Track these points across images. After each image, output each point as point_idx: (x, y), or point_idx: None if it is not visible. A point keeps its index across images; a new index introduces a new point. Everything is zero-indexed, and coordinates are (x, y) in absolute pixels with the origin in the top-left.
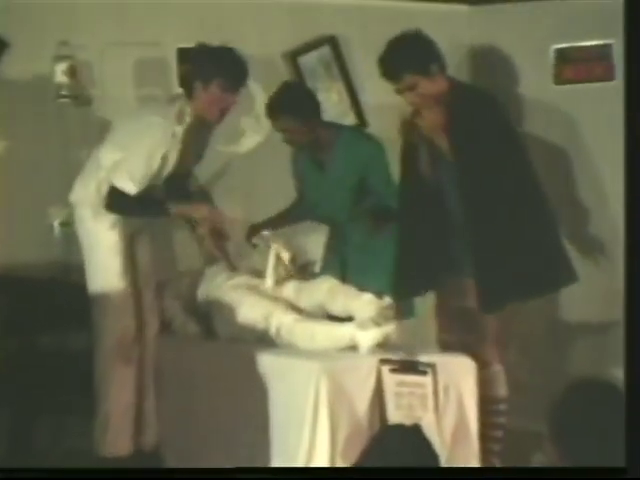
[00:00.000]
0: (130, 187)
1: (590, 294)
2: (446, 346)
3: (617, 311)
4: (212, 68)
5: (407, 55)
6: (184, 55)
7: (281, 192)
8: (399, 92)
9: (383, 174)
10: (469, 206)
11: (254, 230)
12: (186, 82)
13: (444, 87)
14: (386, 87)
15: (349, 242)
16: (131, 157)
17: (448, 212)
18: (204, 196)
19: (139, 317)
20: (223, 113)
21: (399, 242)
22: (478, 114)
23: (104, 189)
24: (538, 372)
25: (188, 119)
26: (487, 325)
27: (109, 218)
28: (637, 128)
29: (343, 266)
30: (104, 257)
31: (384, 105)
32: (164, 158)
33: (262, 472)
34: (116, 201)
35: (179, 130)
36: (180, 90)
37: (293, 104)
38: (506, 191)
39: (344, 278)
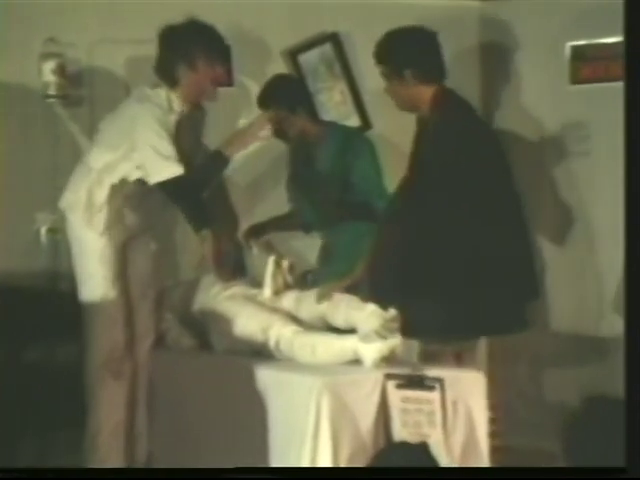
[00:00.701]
0: (175, 170)
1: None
2: (427, 358)
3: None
4: (192, 45)
5: (397, 46)
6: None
7: (282, 195)
8: (383, 76)
9: (370, 173)
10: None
11: (252, 231)
12: (167, 69)
13: (419, 95)
14: None
15: (338, 247)
16: (147, 150)
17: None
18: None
19: (131, 329)
20: (214, 89)
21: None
22: (452, 138)
23: (97, 193)
24: (550, 389)
25: (177, 108)
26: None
27: (100, 224)
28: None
29: (333, 273)
30: (94, 265)
31: (389, 105)
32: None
33: (262, 472)
34: (176, 191)
35: (172, 120)
36: (158, 80)
37: (281, 92)
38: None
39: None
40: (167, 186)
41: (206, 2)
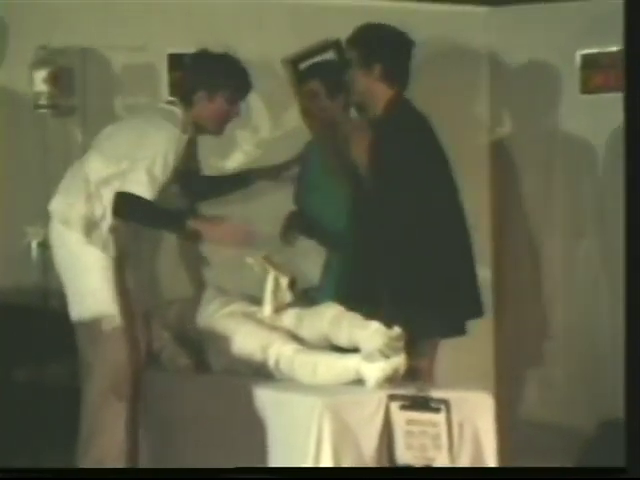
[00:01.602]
0: (144, 190)
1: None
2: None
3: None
4: (219, 78)
5: (376, 38)
6: (177, 61)
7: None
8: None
9: None
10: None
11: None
12: (186, 90)
13: (377, 93)
14: None
15: (344, 261)
16: (143, 161)
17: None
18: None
19: (134, 347)
20: (224, 124)
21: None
22: (407, 140)
23: (96, 206)
24: (563, 409)
25: (190, 130)
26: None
27: (100, 239)
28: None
29: (337, 288)
30: (94, 281)
31: None
32: (176, 162)
33: (262, 472)
34: (129, 207)
35: (184, 139)
36: (172, 97)
37: (328, 68)
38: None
39: (338, 301)
40: (127, 198)
41: (206, 10)
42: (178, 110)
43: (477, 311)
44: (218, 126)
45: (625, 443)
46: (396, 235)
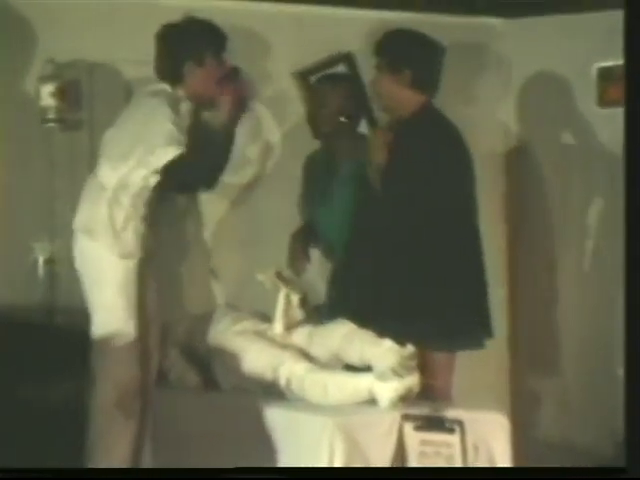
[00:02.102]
0: (172, 150)
1: None
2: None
3: None
4: (200, 41)
5: (406, 42)
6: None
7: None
8: (377, 67)
9: None
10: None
11: None
12: (172, 66)
13: (407, 99)
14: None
15: (355, 274)
16: (155, 135)
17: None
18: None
19: (145, 365)
20: (220, 87)
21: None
22: (428, 150)
23: (116, 212)
24: (580, 430)
25: (185, 106)
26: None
27: (124, 246)
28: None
29: (345, 303)
30: (112, 295)
31: None
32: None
33: (262, 472)
34: (180, 175)
35: (185, 112)
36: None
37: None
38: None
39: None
40: (170, 170)
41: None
42: (167, 88)
43: (487, 332)
44: (214, 90)
45: (625, 443)
46: (408, 247)
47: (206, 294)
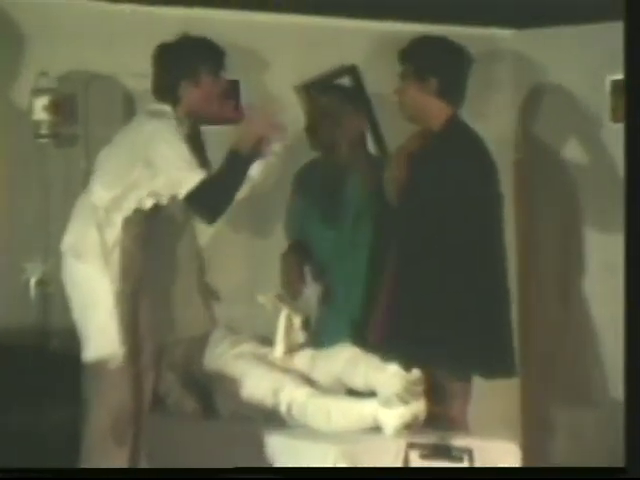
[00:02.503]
0: (195, 176)
1: None
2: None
3: None
4: (193, 58)
5: (433, 50)
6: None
7: None
8: (402, 76)
9: None
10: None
11: None
12: (169, 87)
13: (432, 109)
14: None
15: (345, 295)
16: (167, 161)
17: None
18: None
19: (137, 390)
20: (217, 103)
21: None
22: (455, 168)
23: (108, 233)
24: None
25: (184, 126)
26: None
27: (115, 268)
28: None
29: (347, 326)
30: (104, 319)
31: None
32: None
33: (262, 472)
34: (205, 202)
35: (183, 134)
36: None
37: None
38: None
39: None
40: (196, 197)
41: (211, 32)
42: (167, 108)
43: (508, 370)
44: (211, 106)
45: (625, 443)
46: (426, 270)
47: (201, 315)
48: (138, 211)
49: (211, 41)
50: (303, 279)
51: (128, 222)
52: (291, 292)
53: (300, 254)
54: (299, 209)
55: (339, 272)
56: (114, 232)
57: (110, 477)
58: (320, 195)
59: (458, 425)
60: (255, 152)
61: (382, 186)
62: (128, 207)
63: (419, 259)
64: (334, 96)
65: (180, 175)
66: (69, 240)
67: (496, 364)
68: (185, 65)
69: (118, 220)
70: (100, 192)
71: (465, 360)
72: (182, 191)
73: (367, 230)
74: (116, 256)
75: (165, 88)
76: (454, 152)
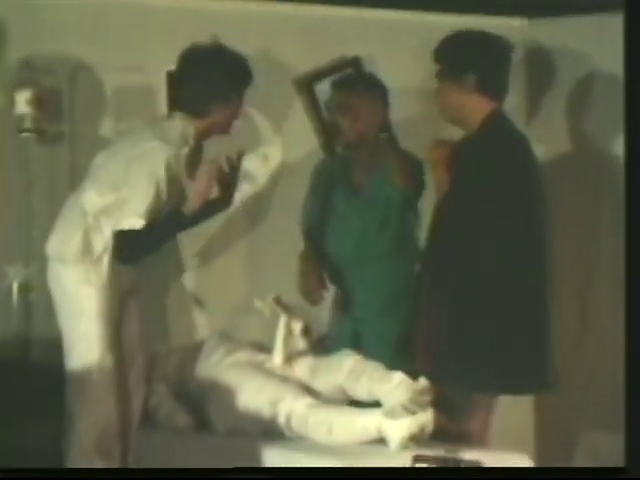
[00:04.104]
0: (135, 222)
1: None
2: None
3: None
4: (229, 78)
5: (466, 46)
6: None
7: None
8: (438, 77)
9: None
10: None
11: None
12: (200, 102)
13: (473, 107)
14: (421, 118)
15: (363, 302)
16: (133, 190)
17: None
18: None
19: (124, 403)
20: (231, 124)
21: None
22: (497, 168)
23: (95, 240)
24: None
25: (191, 141)
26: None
27: (100, 277)
28: None
29: (355, 335)
30: (88, 325)
31: (418, 142)
32: (171, 184)
33: (262, 472)
34: (127, 245)
35: (183, 153)
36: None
37: (357, 76)
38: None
39: (357, 351)
40: (124, 236)
41: (209, 26)
42: (179, 123)
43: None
44: (229, 126)
45: (625, 443)
46: (471, 286)
47: (192, 324)
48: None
49: (246, 61)
50: (324, 283)
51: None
52: (311, 298)
53: (317, 257)
54: (316, 209)
55: (357, 278)
56: (102, 239)
57: (110, 477)
58: (340, 195)
59: (477, 440)
60: (204, 211)
61: (415, 186)
62: (116, 219)
63: (462, 274)
64: (352, 89)
65: (130, 208)
66: (54, 243)
67: (540, 379)
68: (222, 83)
69: (107, 228)
70: (92, 198)
71: (514, 377)
72: (122, 223)
73: (395, 236)
74: (104, 263)
75: (192, 99)
76: (496, 156)
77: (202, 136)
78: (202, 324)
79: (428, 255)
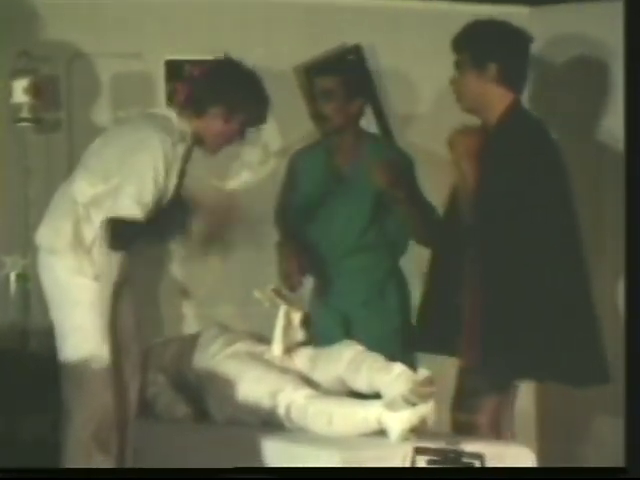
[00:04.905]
0: (135, 211)
1: None
2: (458, 428)
3: None
4: (246, 99)
5: (489, 34)
6: (176, 69)
7: None
8: (458, 65)
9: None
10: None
11: None
12: (202, 100)
13: (493, 97)
14: (423, 108)
15: (351, 291)
16: (130, 178)
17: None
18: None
19: (121, 394)
20: (225, 145)
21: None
22: (523, 160)
23: (85, 230)
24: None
25: (187, 139)
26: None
27: (91, 267)
28: None
29: (345, 324)
30: (83, 315)
31: (419, 131)
32: (167, 177)
33: (262, 472)
34: (121, 233)
35: (181, 149)
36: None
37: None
38: (537, 253)
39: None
40: (119, 224)
41: (208, 12)
42: (175, 116)
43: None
44: (218, 146)
45: (625, 443)
46: (510, 281)
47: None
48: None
49: (267, 98)
50: (302, 270)
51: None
52: (289, 284)
53: (295, 243)
54: (297, 197)
55: (339, 267)
56: (93, 229)
57: (110, 477)
58: (323, 183)
59: (486, 434)
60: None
61: (397, 184)
62: (107, 209)
63: (501, 271)
64: (335, 76)
65: (131, 197)
66: (44, 233)
67: (594, 370)
68: (234, 96)
69: (97, 218)
70: (82, 187)
71: (567, 369)
72: (119, 212)
73: (386, 229)
74: (95, 253)
75: (197, 99)
76: (520, 149)
77: (194, 140)
78: (191, 315)
79: (470, 248)
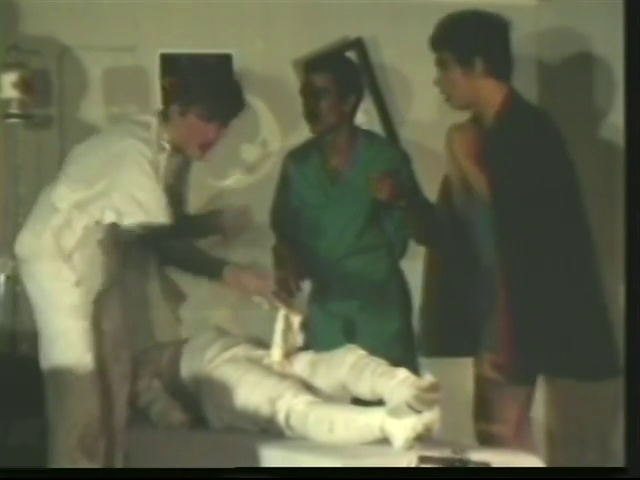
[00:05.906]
0: (163, 216)
1: None
2: (485, 439)
3: None
4: (193, 90)
5: (467, 29)
6: (171, 63)
7: None
8: (440, 64)
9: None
10: (503, 254)
11: None
12: (164, 101)
13: (485, 90)
14: (425, 101)
15: (350, 293)
16: (130, 187)
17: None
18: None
19: (107, 400)
20: (204, 148)
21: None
22: (528, 147)
23: (65, 237)
24: None
25: (167, 147)
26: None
27: (72, 274)
28: None
29: (345, 328)
30: (66, 321)
31: (422, 124)
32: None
33: (262, 472)
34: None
35: (162, 160)
36: (158, 109)
37: (339, 59)
38: (550, 244)
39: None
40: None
41: (205, 4)
42: (154, 121)
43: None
44: (192, 148)
45: (625, 443)
46: (536, 276)
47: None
48: (98, 223)
49: (235, 82)
50: (300, 274)
51: (90, 227)
52: (286, 288)
53: (293, 247)
54: (291, 200)
55: (337, 269)
56: (73, 236)
57: (110, 477)
58: (317, 183)
59: (506, 443)
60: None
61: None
62: (89, 215)
63: (525, 267)
64: (329, 73)
65: (155, 211)
66: (26, 239)
67: (607, 365)
68: (183, 90)
69: (78, 225)
70: (63, 193)
71: (591, 365)
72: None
73: (385, 230)
74: (76, 260)
75: (163, 99)
76: (525, 142)
77: (178, 145)
78: (187, 318)
79: (496, 255)
